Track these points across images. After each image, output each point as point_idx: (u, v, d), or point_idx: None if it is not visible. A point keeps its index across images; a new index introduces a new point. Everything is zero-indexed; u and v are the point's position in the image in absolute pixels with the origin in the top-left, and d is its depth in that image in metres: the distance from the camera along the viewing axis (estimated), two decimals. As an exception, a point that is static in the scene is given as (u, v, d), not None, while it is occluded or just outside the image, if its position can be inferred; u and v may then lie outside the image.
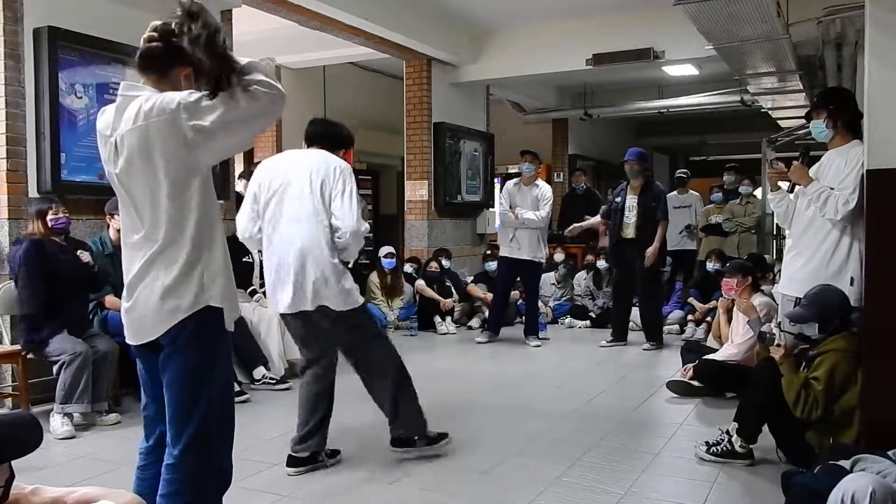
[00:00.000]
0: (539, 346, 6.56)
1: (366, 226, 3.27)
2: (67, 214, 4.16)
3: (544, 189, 6.68)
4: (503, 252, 6.72)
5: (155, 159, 1.93)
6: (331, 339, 3.35)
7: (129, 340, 2.08)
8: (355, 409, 4.49)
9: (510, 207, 6.56)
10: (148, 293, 1.98)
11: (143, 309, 2.00)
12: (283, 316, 3.40)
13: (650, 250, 6.23)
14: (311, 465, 3.33)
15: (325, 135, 3.39)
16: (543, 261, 6.81)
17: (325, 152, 3.30)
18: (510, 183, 6.82)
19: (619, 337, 6.54)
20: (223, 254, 2.05)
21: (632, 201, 6.37)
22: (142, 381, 2.14)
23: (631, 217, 6.36)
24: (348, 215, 3.15)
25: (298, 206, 3.17)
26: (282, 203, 3.20)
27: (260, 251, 3.41)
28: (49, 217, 4.07)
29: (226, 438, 2.09)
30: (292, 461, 3.32)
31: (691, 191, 8.65)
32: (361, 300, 3.36)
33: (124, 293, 2.06)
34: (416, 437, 3.46)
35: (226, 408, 2.08)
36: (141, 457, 2.17)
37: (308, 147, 3.37)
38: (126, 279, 2.05)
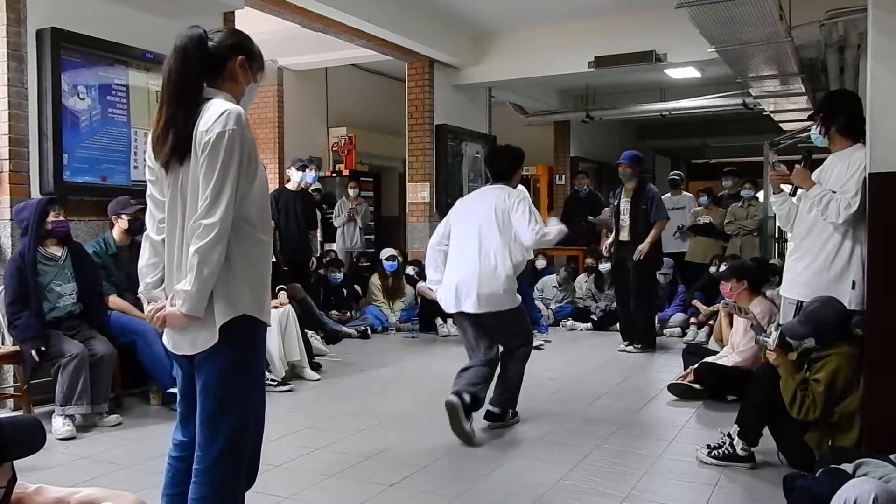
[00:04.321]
0: (541, 347, 6.55)
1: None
2: (66, 218, 4.17)
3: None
4: None
5: None
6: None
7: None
8: (362, 413, 4.50)
9: None
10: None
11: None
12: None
13: (640, 247, 6.23)
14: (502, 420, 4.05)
15: (499, 170, 4.15)
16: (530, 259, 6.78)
17: (501, 189, 4.06)
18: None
19: (633, 339, 6.49)
20: None
21: (625, 204, 6.40)
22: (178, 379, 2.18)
23: (625, 220, 6.38)
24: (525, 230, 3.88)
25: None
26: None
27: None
28: (50, 219, 4.06)
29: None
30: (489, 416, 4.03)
31: (684, 192, 8.69)
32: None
33: None
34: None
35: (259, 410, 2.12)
36: (176, 447, 2.18)
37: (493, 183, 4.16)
38: None
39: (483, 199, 4.05)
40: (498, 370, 4.01)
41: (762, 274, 5.16)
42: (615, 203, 6.48)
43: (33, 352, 3.90)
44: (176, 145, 1.97)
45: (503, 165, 4.14)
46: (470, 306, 3.86)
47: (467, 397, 3.73)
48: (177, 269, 2.03)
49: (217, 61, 2.04)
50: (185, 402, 2.15)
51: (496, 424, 4.02)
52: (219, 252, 1.91)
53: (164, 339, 2.13)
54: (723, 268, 6.65)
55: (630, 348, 6.38)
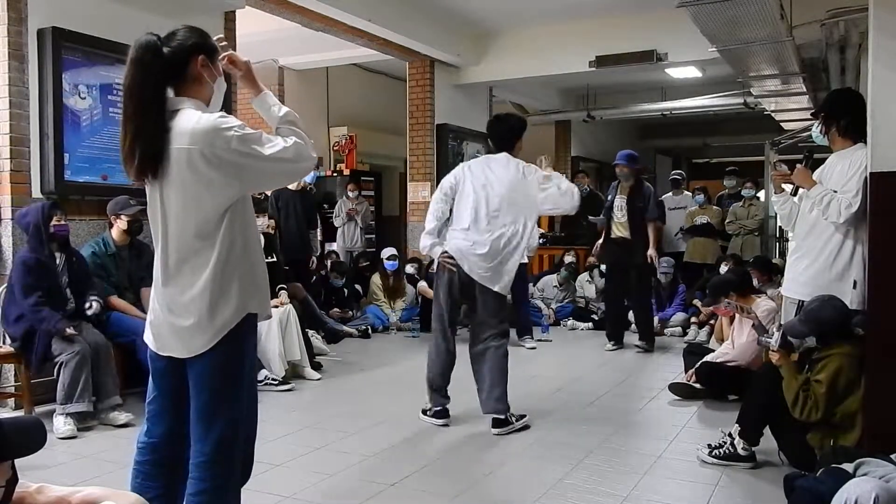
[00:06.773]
0: (534, 347, 6.55)
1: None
2: (66, 223, 4.15)
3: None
4: None
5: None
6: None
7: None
8: (362, 413, 4.50)
9: None
10: None
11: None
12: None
13: (650, 253, 6.34)
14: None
15: (499, 136, 4.23)
16: (525, 260, 6.73)
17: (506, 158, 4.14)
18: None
19: (619, 340, 6.52)
20: None
21: (621, 201, 6.41)
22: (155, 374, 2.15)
23: (621, 217, 6.39)
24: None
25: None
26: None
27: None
28: (53, 223, 4.04)
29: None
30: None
31: (686, 192, 8.68)
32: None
33: None
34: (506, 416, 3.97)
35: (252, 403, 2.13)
36: (143, 451, 2.14)
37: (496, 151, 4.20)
38: None
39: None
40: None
41: (742, 275, 5.13)
42: (610, 199, 6.51)
43: (69, 329, 3.91)
44: (144, 160, 1.93)
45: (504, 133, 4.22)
46: None
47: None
48: (170, 281, 2.03)
49: (177, 66, 2.00)
50: (160, 401, 2.13)
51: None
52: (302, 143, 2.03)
53: (148, 341, 2.11)
54: (723, 269, 6.67)
55: (640, 344, 6.35)
